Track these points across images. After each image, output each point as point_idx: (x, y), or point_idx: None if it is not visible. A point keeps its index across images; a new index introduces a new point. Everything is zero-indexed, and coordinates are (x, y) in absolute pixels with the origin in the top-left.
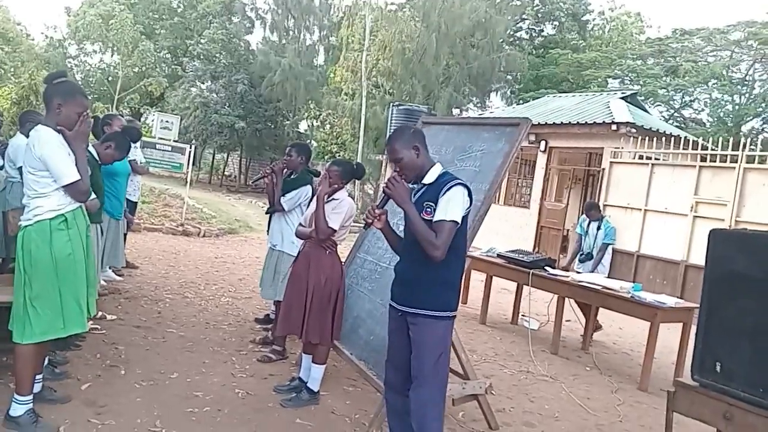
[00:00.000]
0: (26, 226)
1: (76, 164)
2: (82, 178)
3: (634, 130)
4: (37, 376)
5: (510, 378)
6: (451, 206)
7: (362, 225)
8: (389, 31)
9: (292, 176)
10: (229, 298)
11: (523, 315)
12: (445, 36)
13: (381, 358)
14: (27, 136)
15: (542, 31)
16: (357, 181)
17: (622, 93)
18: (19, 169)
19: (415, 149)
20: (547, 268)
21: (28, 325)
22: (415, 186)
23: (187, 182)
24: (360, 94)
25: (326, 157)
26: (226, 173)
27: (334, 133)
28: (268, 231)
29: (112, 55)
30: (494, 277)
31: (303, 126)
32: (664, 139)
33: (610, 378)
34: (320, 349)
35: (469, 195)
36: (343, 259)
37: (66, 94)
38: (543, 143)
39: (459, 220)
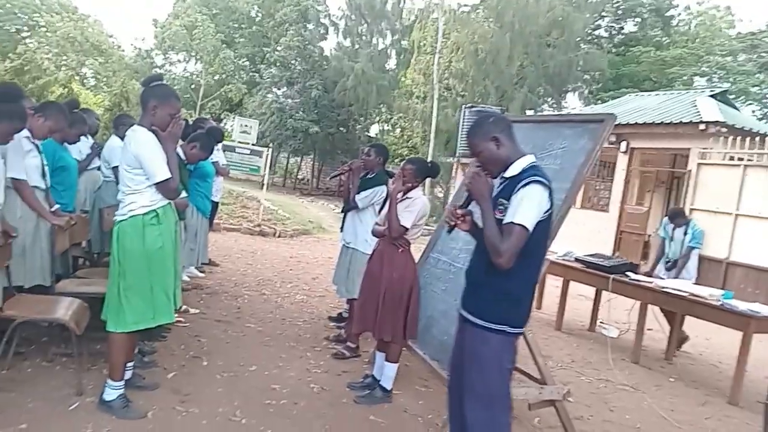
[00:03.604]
0: (121, 221)
1: (167, 163)
2: (172, 177)
3: (724, 130)
4: (128, 364)
5: (588, 386)
6: (523, 207)
7: (444, 227)
8: (462, 32)
9: (368, 176)
10: (304, 295)
11: (601, 322)
12: (520, 35)
13: None
14: (121, 138)
15: (623, 28)
16: (427, 184)
17: (711, 91)
18: (114, 169)
19: (495, 140)
20: (628, 273)
21: (121, 314)
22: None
23: (263, 185)
24: (431, 96)
25: (396, 160)
26: (299, 176)
27: (405, 137)
28: (341, 229)
29: (195, 64)
30: (571, 282)
31: (374, 130)
32: (757, 139)
33: (697, 390)
34: (393, 347)
35: (550, 196)
36: (416, 258)
37: (161, 96)
38: (624, 144)
39: (529, 227)
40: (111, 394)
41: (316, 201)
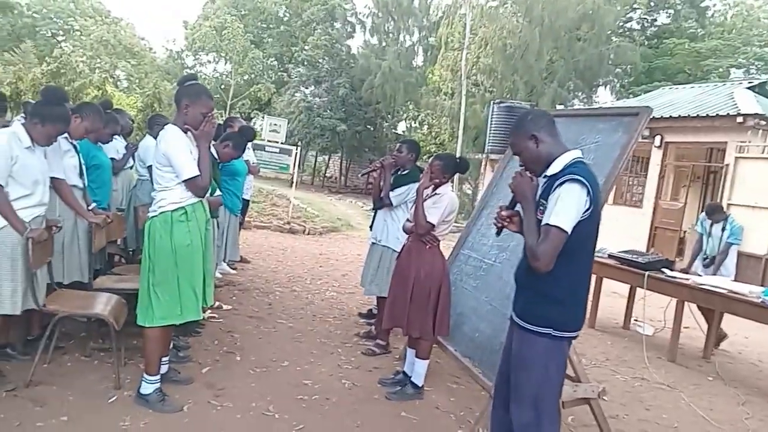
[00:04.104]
0: (152, 217)
1: (198, 161)
2: (201, 175)
3: (763, 123)
4: (164, 359)
5: (623, 384)
6: (559, 208)
7: (473, 224)
8: (490, 27)
9: (400, 172)
10: (334, 292)
11: (636, 319)
12: (549, 30)
13: (486, 356)
14: (154, 138)
15: (655, 20)
16: (455, 181)
17: (749, 83)
18: (149, 168)
19: (533, 138)
20: (664, 269)
21: (150, 309)
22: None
23: (293, 183)
24: (459, 92)
25: (424, 157)
26: (327, 174)
27: (433, 133)
28: (371, 227)
29: (225, 64)
30: (604, 279)
31: (401, 127)
32: None
33: (736, 389)
34: (423, 344)
35: (590, 194)
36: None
37: (193, 95)
38: (658, 138)
39: (566, 228)
40: (147, 388)
41: (344, 198)
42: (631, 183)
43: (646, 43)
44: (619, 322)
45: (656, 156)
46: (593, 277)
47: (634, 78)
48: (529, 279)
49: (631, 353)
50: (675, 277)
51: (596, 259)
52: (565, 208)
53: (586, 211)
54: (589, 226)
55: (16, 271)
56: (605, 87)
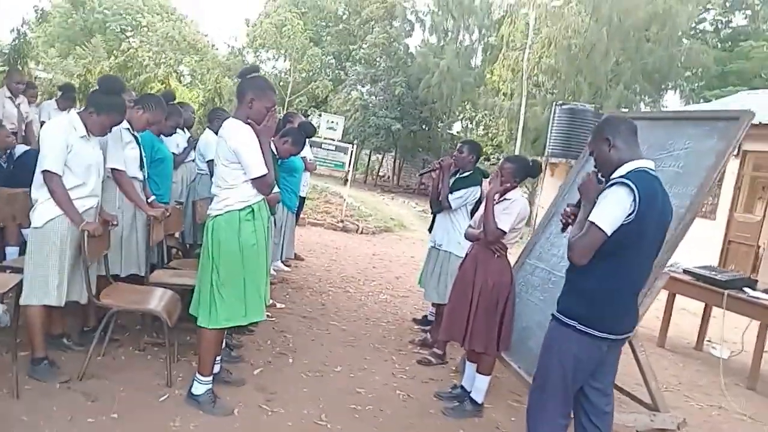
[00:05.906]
0: (216, 216)
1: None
2: (269, 172)
3: None
4: (217, 358)
5: (699, 413)
6: (600, 207)
7: (542, 231)
8: (554, 27)
9: (460, 174)
10: (387, 295)
11: (708, 340)
12: (617, 30)
13: None
14: (215, 132)
15: (731, 21)
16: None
17: None
18: (208, 162)
19: (607, 142)
20: (746, 288)
21: (214, 311)
22: None
23: (347, 181)
24: (519, 93)
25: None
26: (380, 174)
27: (489, 135)
28: (430, 230)
29: (284, 61)
30: (677, 296)
31: (457, 127)
32: None
33: None
34: (485, 359)
35: (636, 200)
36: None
37: (258, 89)
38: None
39: (602, 226)
40: (199, 388)
41: (396, 198)
42: None
43: (720, 45)
44: (690, 342)
45: (732, 165)
46: (663, 293)
47: (706, 82)
48: (570, 274)
49: (705, 378)
50: (758, 298)
51: (669, 273)
52: (606, 208)
53: (629, 215)
54: (633, 231)
55: (63, 263)
56: (674, 91)
